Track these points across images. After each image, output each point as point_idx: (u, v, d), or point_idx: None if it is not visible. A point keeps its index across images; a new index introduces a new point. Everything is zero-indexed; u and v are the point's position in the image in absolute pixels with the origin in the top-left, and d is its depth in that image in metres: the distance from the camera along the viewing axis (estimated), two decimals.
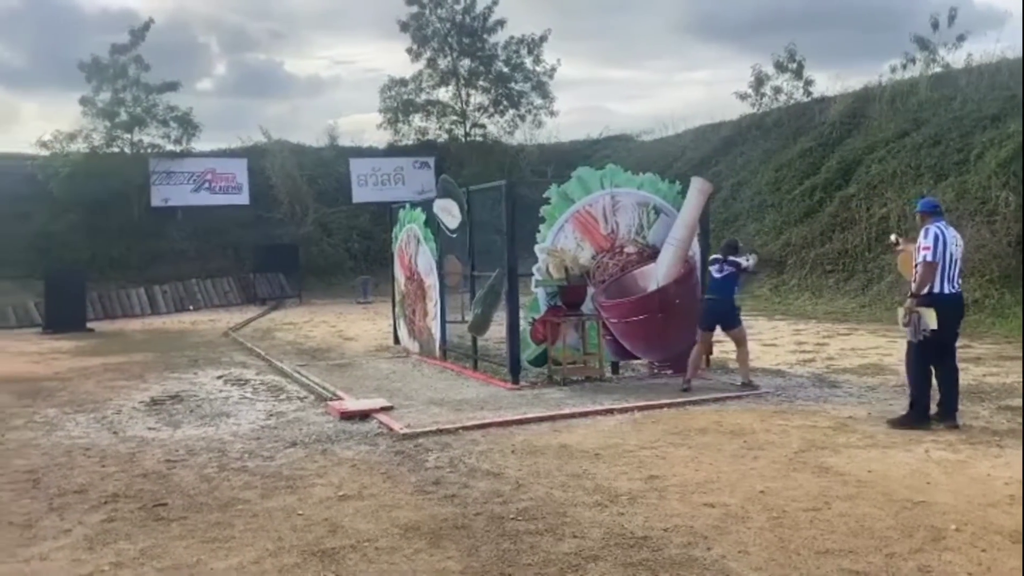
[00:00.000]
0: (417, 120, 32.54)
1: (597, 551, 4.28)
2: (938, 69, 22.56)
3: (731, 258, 8.63)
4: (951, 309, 6.64)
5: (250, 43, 69.00)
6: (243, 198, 29.06)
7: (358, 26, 76.29)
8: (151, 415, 8.35)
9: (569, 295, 9.15)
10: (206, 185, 28.70)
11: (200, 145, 29.33)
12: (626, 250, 9.40)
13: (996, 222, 15.27)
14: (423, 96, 32.41)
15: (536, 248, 9.28)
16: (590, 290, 9.31)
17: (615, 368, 9.75)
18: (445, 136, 32.73)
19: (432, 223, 11.48)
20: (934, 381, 6.84)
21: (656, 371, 9.73)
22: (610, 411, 7.63)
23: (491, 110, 32.60)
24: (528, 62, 32.16)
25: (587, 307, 9.34)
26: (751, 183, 23.56)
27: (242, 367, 11.83)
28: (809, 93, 25.89)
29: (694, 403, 8.00)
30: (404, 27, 31.60)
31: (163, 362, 12.57)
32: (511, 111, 32.46)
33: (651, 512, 4.87)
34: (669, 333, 9.24)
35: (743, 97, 27.13)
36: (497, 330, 9.96)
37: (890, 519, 4.64)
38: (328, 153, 32.23)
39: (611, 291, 9.31)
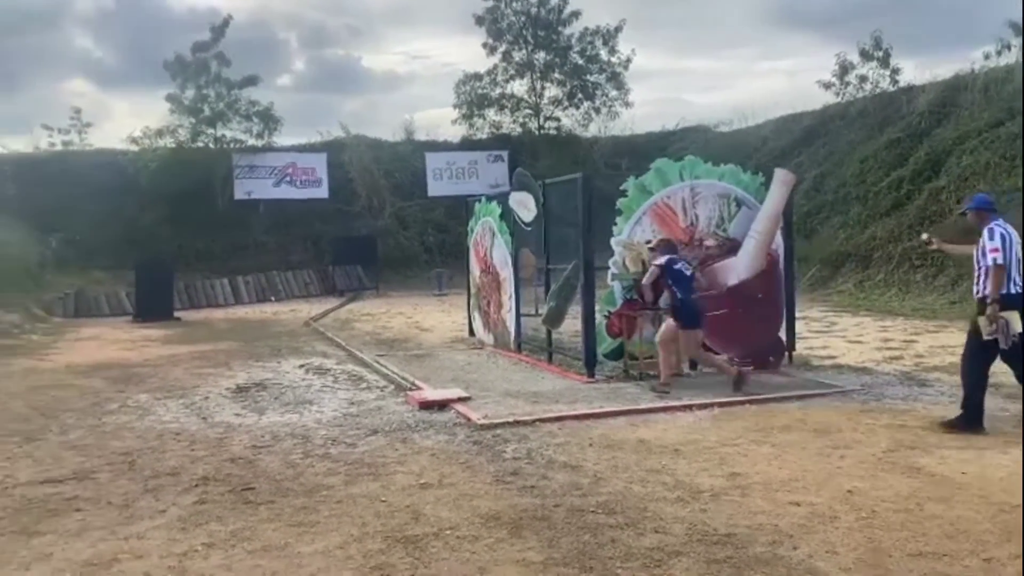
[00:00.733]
0: (491, 114, 32.70)
1: (679, 547, 4.23)
2: None
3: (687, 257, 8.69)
4: (1019, 310, 6.38)
5: (328, 39, 70.39)
6: (323, 191, 29.69)
7: (433, 21, 77.11)
8: (237, 402, 8.61)
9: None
10: (287, 179, 29.41)
11: (281, 140, 30.15)
12: (706, 243, 9.25)
13: None
14: (497, 90, 32.55)
15: (612, 241, 9.21)
16: None
17: (692, 364, 9.60)
18: (519, 129, 32.79)
19: (507, 216, 11.51)
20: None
21: (736, 367, 9.52)
22: (688, 407, 7.53)
23: (565, 103, 32.55)
24: (603, 53, 31.97)
25: (664, 301, 9.21)
26: (835, 175, 22.91)
27: (323, 356, 12.09)
28: (896, 82, 25.06)
29: (776, 400, 7.82)
30: (479, 21, 31.81)
31: (247, 351, 12.94)
32: (586, 103, 32.33)
33: (734, 509, 4.79)
34: (750, 328, 9.06)
35: (827, 86, 26.44)
36: (571, 324, 9.94)
37: (987, 522, 4.46)
38: (404, 147, 32.66)
39: None
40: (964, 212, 6.92)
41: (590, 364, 9.12)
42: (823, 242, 20.80)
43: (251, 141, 29.10)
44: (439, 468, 5.78)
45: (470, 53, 67.07)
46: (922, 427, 6.61)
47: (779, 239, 9.46)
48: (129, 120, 79.08)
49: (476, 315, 13.39)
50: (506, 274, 11.66)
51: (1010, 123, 18.63)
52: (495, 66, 32.25)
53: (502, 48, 32.02)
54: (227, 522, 4.74)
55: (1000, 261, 6.26)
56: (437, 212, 29.88)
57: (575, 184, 9.47)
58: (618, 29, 31.72)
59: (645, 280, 8.61)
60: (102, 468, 6.01)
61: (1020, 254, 6.43)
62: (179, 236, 26.73)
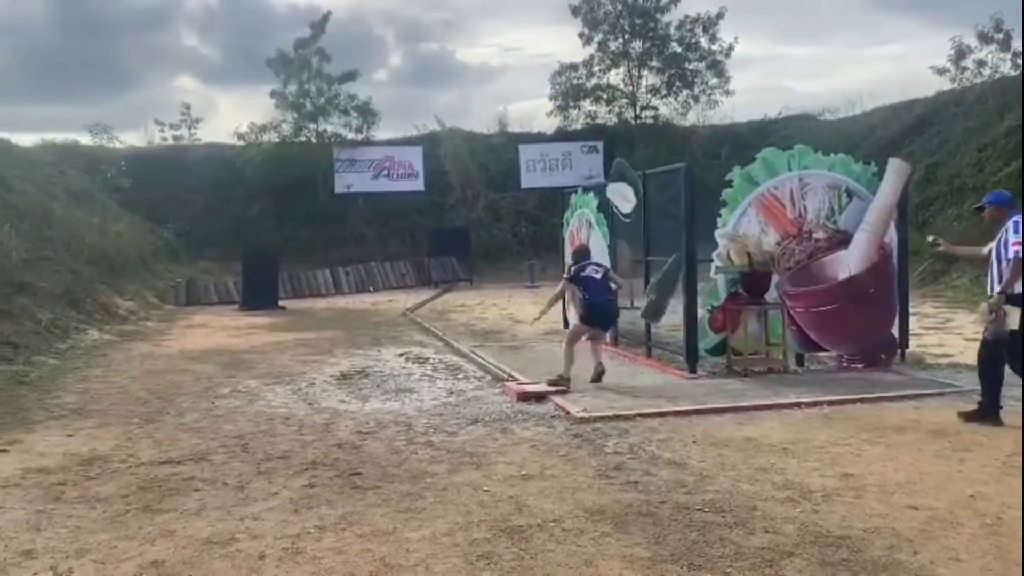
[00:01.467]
0: (586, 105, 32.49)
1: (791, 547, 4.10)
2: None
3: (599, 262, 9.27)
4: None
5: (424, 33, 71.33)
6: (419, 184, 30.18)
7: (526, 13, 77.18)
8: (341, 388, 8.83)
9: (751, 282, 8.82)
10: (385, 172, 30.01)
11: (378, 134, 30.75)
12: (815, 235, 8.93)
13: None
14: (593, 81, 32.30)
15: (716, 233, 9.00)
16: (774, 278, 8.93)
17: (800, 360, 9.31)
18: (614, 120, 32.49)
19: (604, 208, 11.40)
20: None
21: (846, 364, 9.19)
22: (796, 404, 7.29)
23: (663, 91, 32.04)
24: (703, 41, 31.32)
25: (770, 295, 8.97)
26: (949, 164, 21.80)
27: (420, 346, 12.28)
28: (1017, 66, 23.64)
29: (889, 399, 7.50)
30: (575, 11, 31.62)
31: (349, 339, 13.27)
32: (684, 92, 31.75)
33: (848, 511, 4.61)
34: (861, 324, 8.72)
35: (941, 72, 25.28)
36: (671, 317, 9.78)
37: None
38: (498, 139, 32.85)
39: (798, 279, 8.88)
40: (981, 207, 6.91)
41: (691, 359, 8.95)
42: (936, 235, 19.83)
43: (350, 135, 29.79)
44: (540, 460, 5.77)
45: (563, 44, 67.01)
46: None
47: (892, 232, 9.07)
48: (234, 115, 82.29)
49: (571, 307, 13.32)
50: None
51: None
52: (591, 56, 32.05)
53: (598, 38, 31.76)
54: (336, 506, 4.85)
55: (1022, 255, 6.20)
56: (530, 204, 29.95)
57: (676, 174, 9.30)
58: (719, 16, 31.05)
59: (565, 295, 9.76)
60: (216, 450, 6.26)
61: None
62: (283, 228, 27.68)
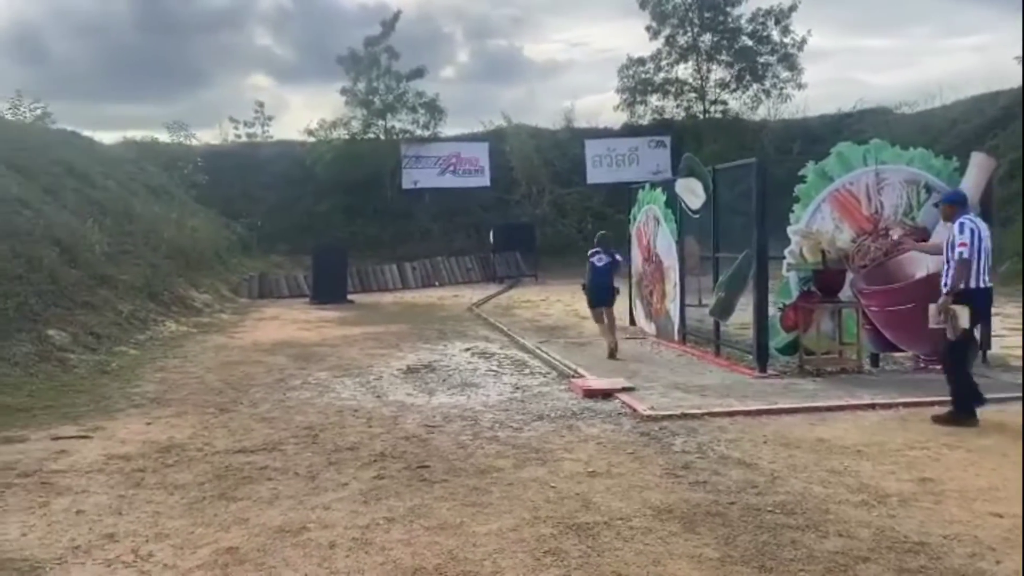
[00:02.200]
0: (654, 100, 32.14)
1: (866, 552, 3.99)
2: None
3: (610, 250, 10.69)
4: (984, 304, 6.75)
5: (491, 30, 71.52)
6: (484, 180, 30.33)
7: (593, 7, 76.68)
8: (408, 382, 8.93)
9: (825, 280, 8.60)
10: (451, 168, 30.24)
11: (444, 130, 30.97)
12: (892, 233, 8.66)
13: None
14: (661, 75, 31.93)
15: (789, 230, 8.81)
16: (849, 276, 8.69)
17: (875, 360, 9.05)
18: (682, 114, 32.06)
19: (672, 203, 11.26)
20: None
21: (923, 365, 8.90)
22: (871, 406, 7.10)
23: (733, 85, 31.46)
24: (775, 34, 30.65)
25: (844, 294, 8.73)
26: None
27: (486, 341, 12.33)
28: None
29: None
30: (643, 4, 31.28)
31: (415, 333, 13.41)
32: (754, 85, 31.13)
33: (926, 516, 4.47)
34: None
35: None
36: (740, 315, 9.61)
37: None
38: (564, 135, 32.75)
39: (873, 277, 8.64)
40: (937, 204, 7.25)
41: (762, 358, 8.78)
42: (1021, 233, 19.02)
43: (418, 132, 30.08)
44: (606, 457, 5.74)
45: (630, 38, 66.16)
46: None
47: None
48: (304, 112, 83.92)
49: (638, 304, 13.23)
50: (670, 263, 11.43)
51: None
52: (658, 50, 31.67)
53: (666, 32, 31.37)
54: (405, 498, 4.91)
55: (967, 255, 6.43)
56: (595, 199, 29.77)
57: (747, 170, 9.13)
58: (792, 8, 30.31)
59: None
60: (288, 440, 6.39)
61: (989, 249, 6.63)
62: (351, 223, 28.16)
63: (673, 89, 31.84)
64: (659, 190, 11.99)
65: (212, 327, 15.00)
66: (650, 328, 12.43)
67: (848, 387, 7.99)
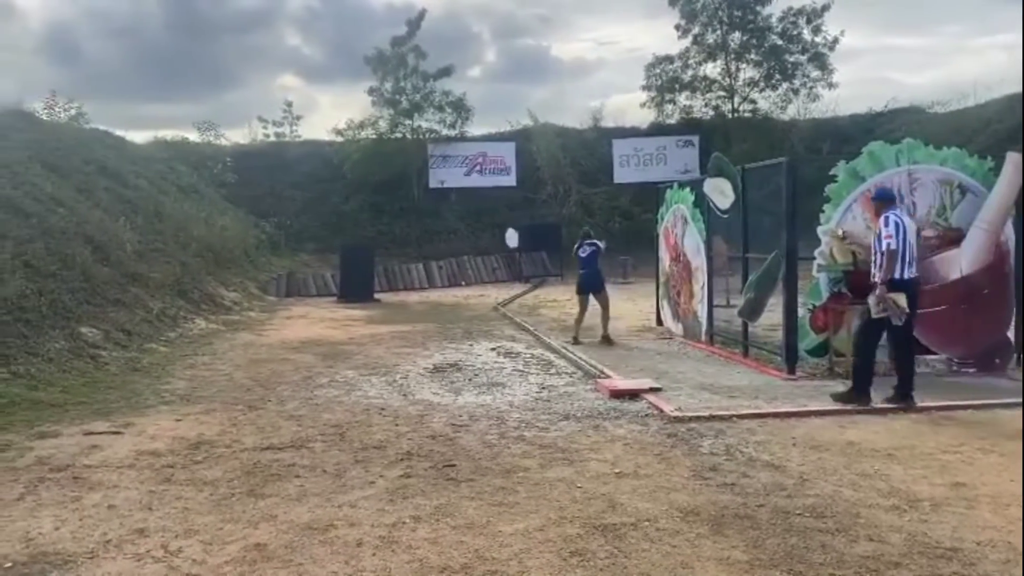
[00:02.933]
0: (682, 99, 31.94)
1: (898, 558, 3.94)
2: None
3: (592, 240, 12.04)
4: (914, 293, 7.04)
5: (519, 29, 71.65)
6: (511, 179, 30.33)
7: (622, 6, 76.41)
8: (434, 381, 8.95)
9: (856, 282, 8.47)
10: (477, 168, 30.28)
11: (471, 130, 31.01)
12: (924, 233, 8.53)
13: None
14: (689, 73, 31.74)
15: (819, 230, 8.71)
16: None
17: None
18: (711, 113, 31.83)
19: (701, 203, 11.18)
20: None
21: (956, 368, 8.77)
22: (903, 409, 6.99)
23: (762, 84, 31.18)
24: (806, 33, 30.32)
25: None
26: None
27: (512, 340, 12.33)
28: None
29: (1003, 406, 7.10)
30: (672, 2, 31.11)
31: (441, 332, 13.45)
32: (784, 85, 30.83)
33: (959, 522, 4.40)
34: (972, 327, 8.30)
35: None
36: (768, 316, 9.52)
37: None
38: (591, 135, 32.66)
39: None
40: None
41: (791, 360, 8.69)
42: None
43: (444, 131, 30.14)
44: (633, 458, 5.72)
45: (658, 36, 65.92)
46: None
47: (1009, 230, 8.59)
48: (332, 112, 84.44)
49: (665, 304, 13.16)
50: (698, 263, 11.36)
51: None
52: (686, 48, 31.48)
53: (695, 30, 31.17)
54: (431, 497, 4.92)
55: (893, 246, 6.84)
56: (622, 199, 29.66)
57: (777, 169, 9.04)
58: (824, 8, 29.95)
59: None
60: (316, 438, 6.43)
61: (913, 242, 7.02)
62: (378, 222, 28.31)
63: (701, 87, 31.61)
64: (687, 190, 11.91)
65: (241, 325, 15.14)
66: (677, 328, 12.36)
67: (879, 390, 7.85)
